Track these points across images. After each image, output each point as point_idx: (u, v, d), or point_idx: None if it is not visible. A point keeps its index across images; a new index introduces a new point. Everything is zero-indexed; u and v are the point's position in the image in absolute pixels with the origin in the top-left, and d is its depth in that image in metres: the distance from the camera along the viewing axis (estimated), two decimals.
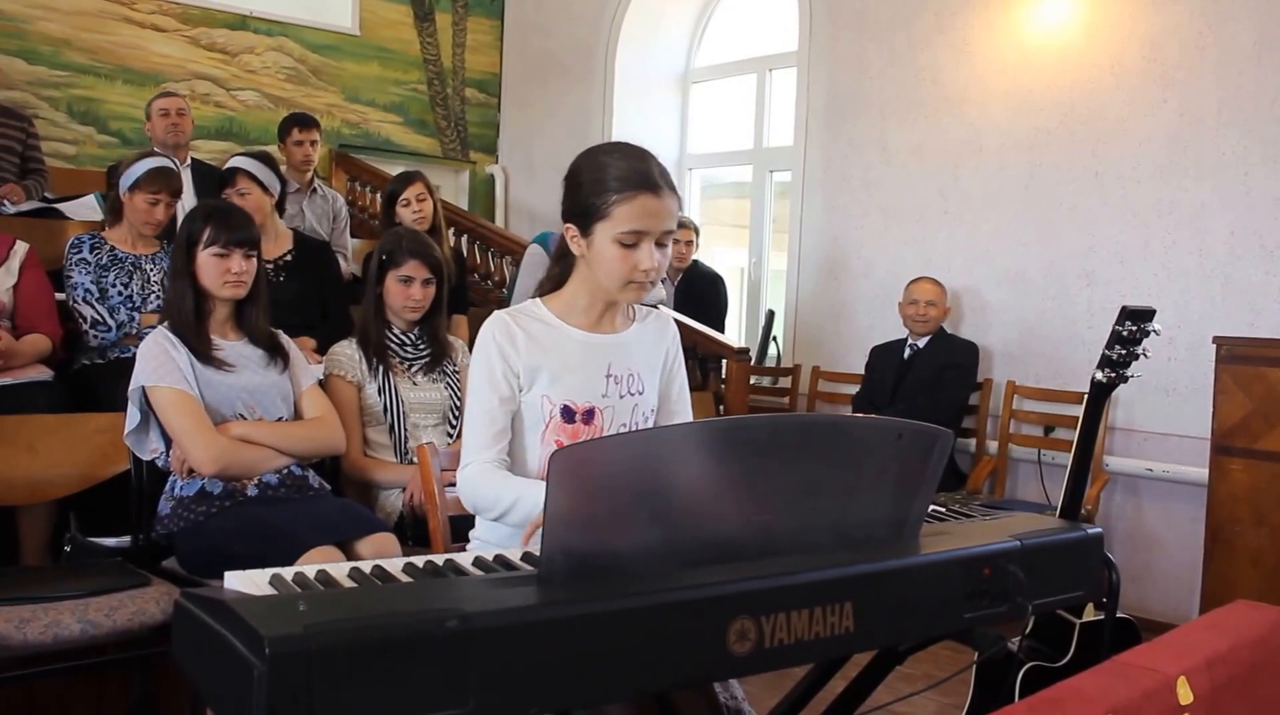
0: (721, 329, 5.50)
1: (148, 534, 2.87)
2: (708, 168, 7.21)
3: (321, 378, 3.23)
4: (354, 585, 1.40)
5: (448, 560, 1.52)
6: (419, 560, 1.51)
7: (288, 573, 1.42)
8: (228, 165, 4.24)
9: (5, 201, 4.99)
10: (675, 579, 1.39)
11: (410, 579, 1.44)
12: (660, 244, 1.97)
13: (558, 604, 1.30)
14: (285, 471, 2.87)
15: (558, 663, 1.27)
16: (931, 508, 1.99)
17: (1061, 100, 4.92)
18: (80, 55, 6.32)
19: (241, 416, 2.85)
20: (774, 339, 6.30)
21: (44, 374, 3.40)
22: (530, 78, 7.76)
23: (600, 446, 1.45)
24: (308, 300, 4.19)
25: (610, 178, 1.94)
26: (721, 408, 4.69)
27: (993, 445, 5.04)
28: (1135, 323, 2.12)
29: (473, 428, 2.04)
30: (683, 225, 5.87)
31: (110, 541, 3.06)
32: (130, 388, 2.79)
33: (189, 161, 5.21)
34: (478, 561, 1.53)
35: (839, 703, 1.86)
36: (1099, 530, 1.86)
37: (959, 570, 1.65)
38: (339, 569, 1.45)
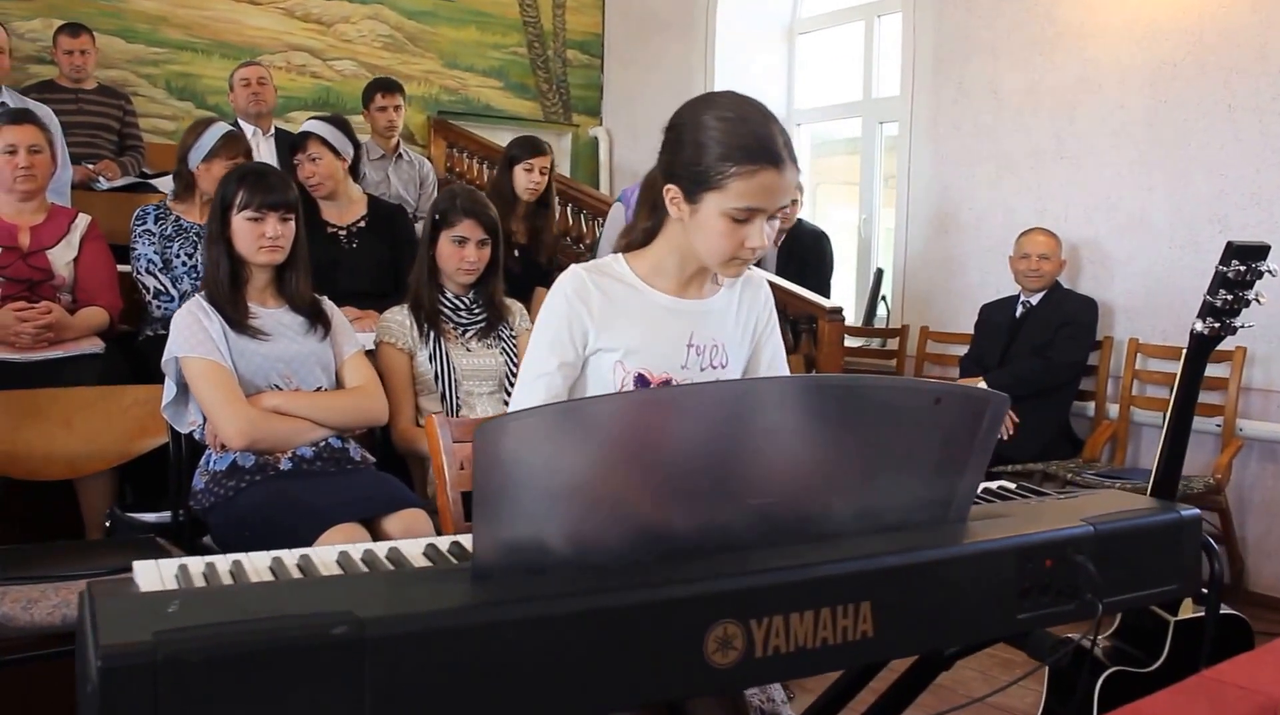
0: (827, 288, 5.19)
1: (186, 509, 2.78)
2: (816, 122, 6.88)
3: (372, 346, 3.09)
4: (270, 579, 1.21)
5: (391, 549, 1.33)
6: (358, 549, 1.31)
7: (197, 563, 1.24)
8: (300, 129, 4.16)
9: (101, 177, 5.05)
10: (638, 576, 1.17)
11: (340, 571, 1.24)
12: (771, 218, 1.76)
13: (482, 607, 1.09)
14: (323, 444, 2.74)
15: (483, 678, 1.06)
16: (999, 485, 1.73)
17: (1189, 28, 4.46)
18: (176, 32, 6.34)
19: (277, 387, 2.72)
20: (883, 298, 5.97)
21: (95, 346, 3.36)
22: (633, 37, 7.52)
23: (542, 415, 1.22)
24: (382, 267, 4.06)
25: (730, 144, 1.72)
26: (813, 372, 4.41)
27: (1113, 408, 4.63)
28: (1245, 262, 1.78)
29: (527, 392, 1.84)
30: None
31: (151, 517, 2.98)
32: (164, 359, 2.69)
33: (272, 130, 5.18)
34: (429, 550, 1.33)
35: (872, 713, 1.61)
36: (1195, 511, 1.57)
37: (1013, 561, 1.39)
38: (258, 560, 1.27)
